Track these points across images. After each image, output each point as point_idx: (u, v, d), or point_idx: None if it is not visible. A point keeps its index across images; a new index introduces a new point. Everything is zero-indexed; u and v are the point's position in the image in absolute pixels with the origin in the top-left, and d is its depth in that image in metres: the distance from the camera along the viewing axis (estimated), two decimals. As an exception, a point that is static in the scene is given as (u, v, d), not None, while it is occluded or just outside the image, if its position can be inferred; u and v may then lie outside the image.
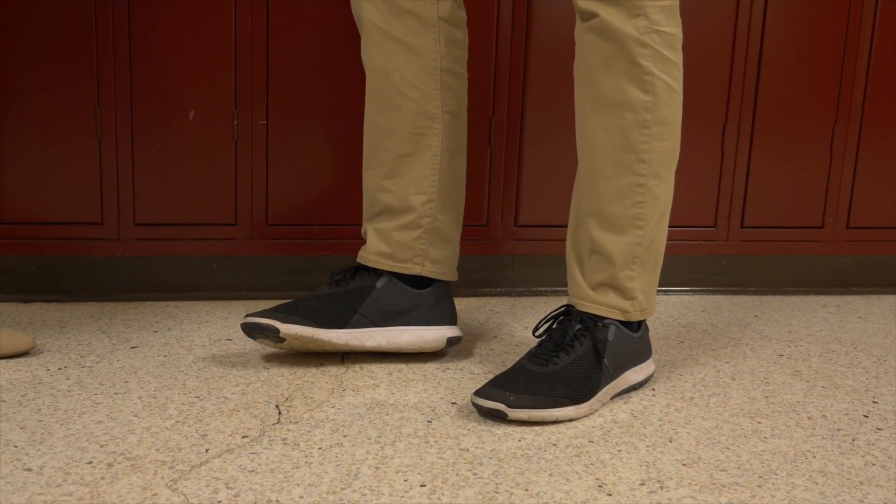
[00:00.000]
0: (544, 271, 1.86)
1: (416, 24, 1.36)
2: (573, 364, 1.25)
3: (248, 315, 1.35)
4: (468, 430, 1.19)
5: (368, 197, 1.44)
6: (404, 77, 1.37)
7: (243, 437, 1.14)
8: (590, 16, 1.24)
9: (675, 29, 1.26)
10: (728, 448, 1.17)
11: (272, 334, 1.33)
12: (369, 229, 1.44)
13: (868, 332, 1.70)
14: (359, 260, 1.43)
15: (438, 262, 1.44)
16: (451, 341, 1.44)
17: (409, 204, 1.40)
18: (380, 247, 1.42)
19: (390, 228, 1.41)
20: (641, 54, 1.23)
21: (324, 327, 1.36)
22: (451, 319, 1.45)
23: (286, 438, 1.14)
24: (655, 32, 1.23)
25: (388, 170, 1.40)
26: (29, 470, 1.03)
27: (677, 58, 1.27)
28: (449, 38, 1.39)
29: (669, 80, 1.26)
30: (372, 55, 1.38)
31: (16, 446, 1.09)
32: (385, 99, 1.39)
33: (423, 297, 1.42)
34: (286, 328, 1.33)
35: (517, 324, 1.67)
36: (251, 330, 1.34)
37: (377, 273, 1.42)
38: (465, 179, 1.47)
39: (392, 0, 1.35)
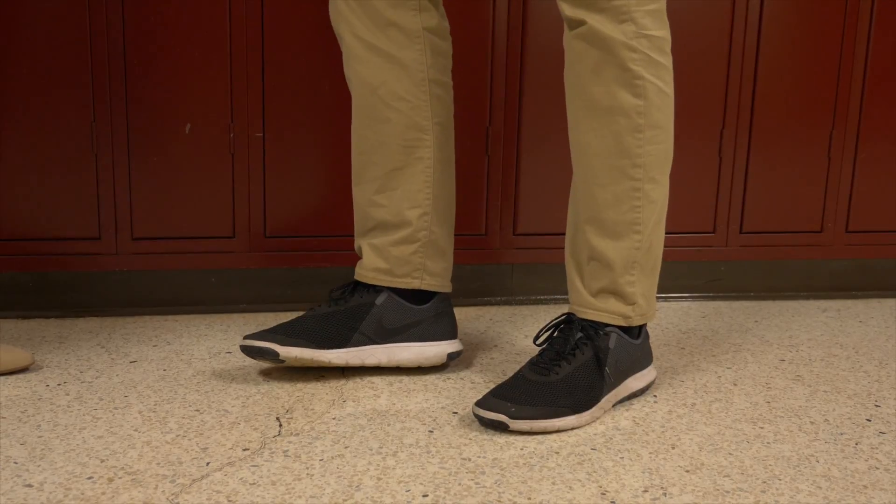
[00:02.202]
0: (543, 280, 1.86)
1: (400, 36, 1.35)
2: (575, 373, 1.25)
3: (246, 337, 1.35)
4: (470, 439, 1.19)
5: (360, 212, 1.43)
6: (392, 90, 1.36)
7: (244, 450, 1.13)
8: (577, 23, 1.24)
9: (663, 32, 1.26)
10: (731, 454, 1.16)
11: (272, 357, 1.33)
12: (364, 245, 1.43)
13: (869, 336, 1.70)
14: (356, 277, 1.42)
15: (436, 274, 1.43)
16: (452, 356, 1.43)
17: (404, 218, 1.40)
18: (377, 263, 1.41)
19: (386, 244, 1.41)
20: (631, 59, 1.23)
21: (323, 348, 1.35)
22: (451, 334, 1.44)
23: (287, 451, 1.14)
24: (644, 37, 1.23)
25: (380, 184, 1.40)
26: (29, 486, 1.03)
27: (667, 61, 1.27)
28: (434, 48, 1.38)
29: (660, 83, 1.26)
30: (358, 70, 1.37)
31: (16, 462, 1.08)
32: (374, 113, 1.38)
33: (422, 313, 1.42)
34: (286, 351, 1.33)
35: (517, 332, 1.67)
36: (250, 352, 1.34)
37: (376, 289, 1.41)
38: (455, 190, 1.47)
39: (375, 13, 1.34)
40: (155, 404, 1.28)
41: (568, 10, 1.24)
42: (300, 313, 1.45)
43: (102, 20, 1.61)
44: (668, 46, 1.27)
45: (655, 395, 1.36)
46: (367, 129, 1.39)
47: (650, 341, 1.40)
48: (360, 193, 1.42)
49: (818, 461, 1.15)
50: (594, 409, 1.25)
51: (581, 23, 1.23)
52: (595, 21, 1.22)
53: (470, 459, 1.12)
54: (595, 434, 1.22)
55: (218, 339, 1.58)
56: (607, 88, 1.24)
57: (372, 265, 1.40)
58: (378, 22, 1.34)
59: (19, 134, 1.62)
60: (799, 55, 1.84)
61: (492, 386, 1.35)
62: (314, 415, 1.25)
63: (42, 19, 1.59)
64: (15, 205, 1.65)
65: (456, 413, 1.28)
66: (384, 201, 1.39)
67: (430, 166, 1.39)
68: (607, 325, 1.30)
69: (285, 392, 1.33)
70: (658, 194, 1.29)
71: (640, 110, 1.24)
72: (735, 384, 1.42)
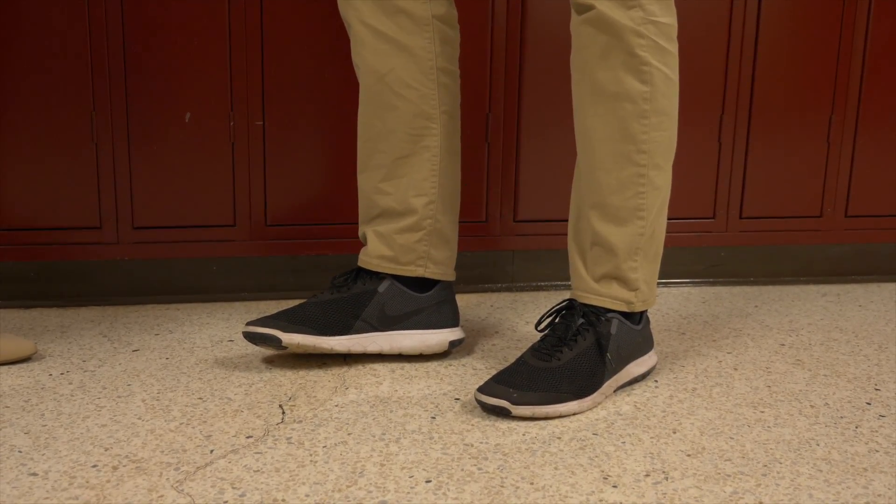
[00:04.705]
0: (544, 266, 1.86)
1: (409, 23, 1.35)
2: (576, 359, 1.25)
3: (249, 323, 1.35)
4: (472, 425, 1.19)
5: (365, 200, 1.43)
6: (400, 78, 1.36)
7: (248, 438, 1.14)
8: (585, 8, 1.24)
9: (670, 19, 1.26)
10: (732, 438, 1.17)
11: (274, 343, 1.33)
12: (369, 232, 1.43)
13: (868, 320, 1.70)
14: (360, 264, 1.43)
15: (440, 262, 1.43)
16: (454, 344, 1.44)
17: (410, 206, 1.40)
18: (381, 250, 1.41)
19: (392, 231, 1.41)
20: (639, 45, 1.23)
21: (326, 335, 1.35)
22: (453, 321, 1.44)
23: (290, 437, 1.14)
24: (651, 23, 1.23)
25: (386, 172, 1.40)
26: (34, 475, 1.03)
27: (673, 48, 1.27)
28: (443, 36, 1.38)
29: (667, 70, 1.26)
30: (365, 57, 1.37)
31: (20, 451, 1.09)
32: (381, 101, 1.38)
33: (425, 301, 1.42)
34: (288, 338, 1.33)
35: (518, 319, 1.67)
36: (253, 338, 1.34)
37: (379, 277, 1.41)
38: (460, 178, 1.47)
39: (384, 0, 1.34)
40: (158, 392, 1.28)
41: None
42: (302, 301, 1.46)
43: (101, 8, 1.60)
44: (674, 33, 1.27)
45: (656, 381, 1.37)
46: (373, 117, 1.39)
47: (651, 327, 1.40)
48: (366, 181, 1.42)
49: (818, 444, 1.16)
50: (596, 394, 1.25)
51: (589, 8, 1.23)
52: (603, 6, 1.22)
53: (472, 445, 1.13)
54: (597, 419, 1.22)
55: (220, 327, 1.58)
56: (614, 74, 1.24)
57: (377, 252, 1.41)
58: (387, 9, 1.34)
59: (19, 123, 1.62)
60: (798, 40, 1.84)
61: (493, 372, 1.35)
62: (317, 402, 1.26)
63: (41, 9, 1.59)
64: (16, 194, 1.65)
65: (458, 399, 1.28)
66: (390, 189, 1.39)
67: (437, 155, 1.39)
68: (609, 310, 1.30)
69: (288, 379, 1.34)
70: (662, 181, 1.29)
71: (647, 96, 1.25)
72: (735, 369, 1.43)
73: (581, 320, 1.29)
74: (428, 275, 1.42)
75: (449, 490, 1.01)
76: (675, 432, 1.18)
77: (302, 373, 1.36)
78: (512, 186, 1.80)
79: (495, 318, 1.68)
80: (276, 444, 1.12)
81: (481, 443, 1.14)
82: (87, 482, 1.02)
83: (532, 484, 1.03)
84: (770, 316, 1.72)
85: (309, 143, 1.72)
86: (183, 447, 1.11)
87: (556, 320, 1.32)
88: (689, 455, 1.12)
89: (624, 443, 1.15)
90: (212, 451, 1.10)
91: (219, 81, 1.66)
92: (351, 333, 1.37)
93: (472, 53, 1.72)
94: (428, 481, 1.04)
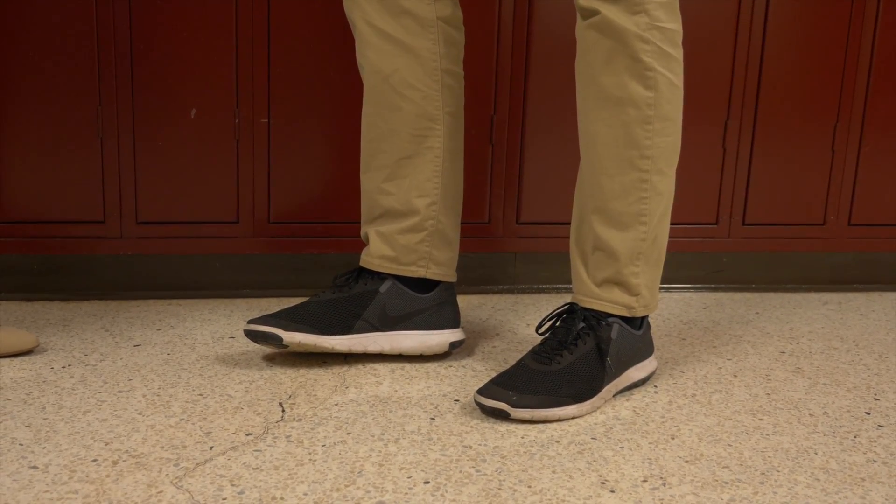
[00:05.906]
0: (546, 268, 1.87)
1: (414, 24, 1.35)
2: (576, 363, 1.26)
3: (250, 321, 1.35)
4: (471, 427, 1.19)
5: (368, 200, 1.43)
6: (404, 78, 1.36)
7: (247, 435, 1.14)
8: (590, 13, 1.24)
9: (675, 25, 1.26)
10: (730, 445, 1.17)
11: (275, 342, 1.34)
12: (371, 232, 1.43)
13: (869, 329, 1.70)
14: (361, 264, 1.43)
15: (442, 263, 1.44)
16: (454, 345, 1.44)
17: (412, 207, 1.40)
18: (383, 250, 1.41)
19: (393, 232, 1.41)
20: (643, 50, 1.23)
21: (326, 334, 1.36)
22: (454, 322, 1.45)
23: (290, 436, 1.14)
24: (656, 29, 1.23)
25: (389, 172, 1.40)
26: (35, 468, 1.04)
27: (678, 54, 1.27)
28: (447, 38, 1.38)
29: (671, 75, 1.26)
30: (369, 57, 1.37)
31: (21, 444, 1.09)
32: (384, 101, 1.38)
33: (426, 302, 1.42)
34: (289, 336, 1.33)
35: (519, 321, 1.67)
36: (254, 336, 1.35)
37: (380, 277, 1.41)
38: (463, 179, 1.47)
39: (389, 1, 1.34)
40: (159, 388, 1.29)
41: (582, 0, 1.24)
42: (304, 299, 1.46)
43: (108, 4, 1.61)
44: (679, 39, 1.27)
45: (656, 386, 1.37)
46: (377, 117, 1.39)
47: (652, 332, 1.40)
48: (369, 181, 1.42)
49: (817, 453, 1.16)
50: (595, 398, 1.25)
51: (594, 12, 1.23)
52: (608, 11, 1.22)
53: (471, 447, 1.13)
54: (595, 423, 1.22)
55: (221, 324, 1.59)
56: (618, 79, 1.24)
57: (378, 252, 1.41)
58: (392, 10, 1.34)
59: (25, 117, 1.63)
60: (804, 47, 1.84)
61: (493, 374, 1.36)
62: (317, 400, 1.26)
63: (47, 2, 1.59)
64: (20, 188, 1.65)
65: (457, 401, 1.28)
66: (393, 189, 1.40)
67: (440, 156, 1.39)
68: (610, 315, 1.30)
69: (288, 377, 1.34)
70: (665, 187, 1.29)
71: (651, 102, 1.25)
72: (735, 376, 1.43)
73: (582, 324, 1.29)
74: (429, 276, 1.42)
75: (447, 491, 1.02)
76: (673, 438, 1.19)
77: (302, 371, 1.37)
78: (515, 188, 1.80)
79: (496, 319, 1.68)
80: (275, 442, 1.13)
81: (480, 445, 1.14)
82: (87, 476, 1.02)
83: (530, 487, 1.04)
84: (771, 323, 1.72)
85: (313, 142, 1.72)
86: (183, 443, 1.11)
87: (557, 324, 1.33)
88: (687, 461, 1.12)
89: (622, 448, 1.15)
90: (211, 448, 1.10)
91: (224, 78, 1.67)
92: (352, 333, 1.37)
93: (478, 55, 1.72)
94: (426, 482, 1.04)
